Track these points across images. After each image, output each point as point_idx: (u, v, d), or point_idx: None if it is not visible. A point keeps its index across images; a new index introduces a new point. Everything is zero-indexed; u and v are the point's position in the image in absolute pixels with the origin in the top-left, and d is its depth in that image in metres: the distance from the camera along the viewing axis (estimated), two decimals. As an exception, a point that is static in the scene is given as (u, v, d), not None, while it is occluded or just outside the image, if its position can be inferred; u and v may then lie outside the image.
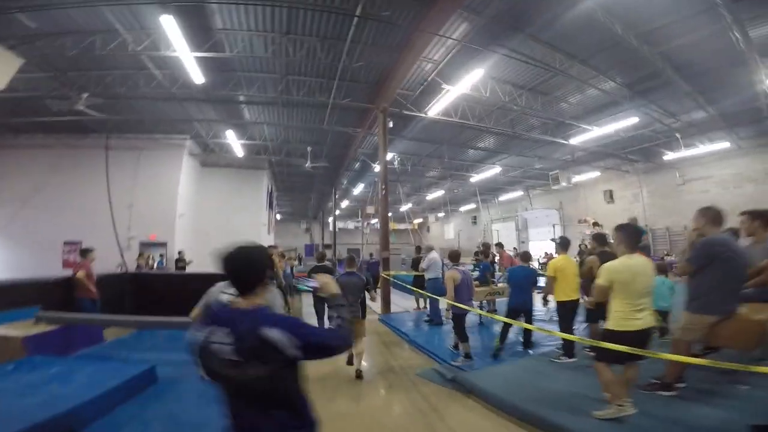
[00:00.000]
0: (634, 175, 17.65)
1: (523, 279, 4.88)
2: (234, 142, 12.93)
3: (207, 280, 2.51)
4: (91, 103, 9.48)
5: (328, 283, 1.65)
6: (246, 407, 1.27)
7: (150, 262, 11.99)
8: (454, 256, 5.21)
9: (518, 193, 23.86)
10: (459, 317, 4.61)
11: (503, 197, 25.19)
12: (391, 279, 8.87)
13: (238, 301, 1.36)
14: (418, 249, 9.23)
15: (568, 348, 4.43)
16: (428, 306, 7.59)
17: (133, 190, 13.00)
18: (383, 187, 8.79)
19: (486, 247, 8.21)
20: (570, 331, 4.43)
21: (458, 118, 11.14)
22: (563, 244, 4.94)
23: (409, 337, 6.28)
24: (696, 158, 14.20)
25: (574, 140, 13.33)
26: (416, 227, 24.08)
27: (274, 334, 1.21)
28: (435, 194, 23.56)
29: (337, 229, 22.01)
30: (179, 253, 12.36)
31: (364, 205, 22.51)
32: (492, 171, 17.16)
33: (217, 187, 16.02)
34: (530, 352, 4.98)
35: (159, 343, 5.15)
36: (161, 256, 12.60)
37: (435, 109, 10.27)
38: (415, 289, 8.32)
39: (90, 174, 12.15)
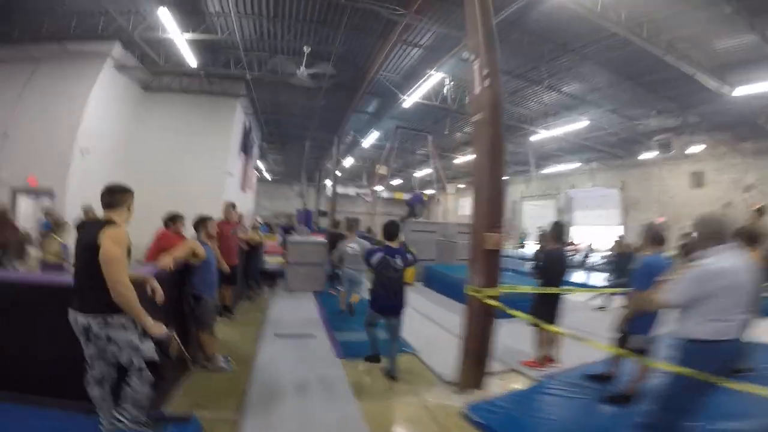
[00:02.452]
0: (738, 157, 13.53)
1: None
2: (175, 33, 7.47)
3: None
4: None
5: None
6: (396, 288, 3.61)
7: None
8: None
9: (568, 166, 18.78)
10: None
11: (546, 170, 19.90)
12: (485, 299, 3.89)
13: (389, 243, 3.69)
14: (557, 228, 4.04)
15: None
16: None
17: (12, 115, 8.18)
18: (485, 75, 3.47)
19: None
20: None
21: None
22: None
23: None
24: None
25: (740, 90, 8.15)
26: (426, 198, 19.21)
27: (409, 257, 3.72)
28: (469, 156, 18.06)
29: (336, 194, 16.94)
30: (85, 211, 7.28)
31: (373, 165, 17.37)
32: (572, 126, 11.79)
33: (166, 121, 10.79)
34: None
35: None
36: (47, 215, 7.47)
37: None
38: (545, 326, 3.48)
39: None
